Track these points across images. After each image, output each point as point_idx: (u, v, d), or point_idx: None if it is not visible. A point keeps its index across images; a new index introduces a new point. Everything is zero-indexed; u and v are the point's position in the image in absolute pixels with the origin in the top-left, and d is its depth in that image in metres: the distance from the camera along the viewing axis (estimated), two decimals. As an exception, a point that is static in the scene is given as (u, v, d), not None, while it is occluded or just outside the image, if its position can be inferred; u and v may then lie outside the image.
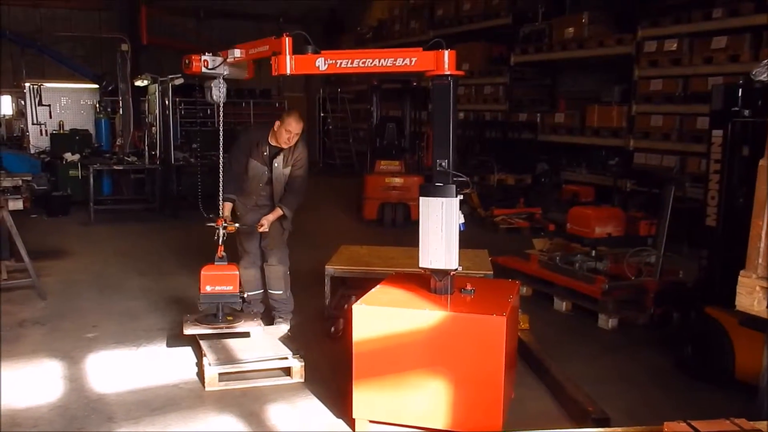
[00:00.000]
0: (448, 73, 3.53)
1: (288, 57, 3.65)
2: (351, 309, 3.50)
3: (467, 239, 6.21)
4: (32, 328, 5.20)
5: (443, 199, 3.51)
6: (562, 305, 5.66)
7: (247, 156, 4.80)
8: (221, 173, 4.66)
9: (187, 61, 4.29)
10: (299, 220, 5.25)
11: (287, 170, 4.86)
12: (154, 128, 10.45)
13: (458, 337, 3.34)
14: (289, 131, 4.67)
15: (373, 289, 3.77)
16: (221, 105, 4.49)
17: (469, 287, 3.67)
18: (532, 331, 4.88)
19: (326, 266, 5.14)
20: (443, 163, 3.57)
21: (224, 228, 4.53)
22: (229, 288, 4.41)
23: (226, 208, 4.72)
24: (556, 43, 10.85)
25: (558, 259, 5.73)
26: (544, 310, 5.68)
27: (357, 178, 10.94)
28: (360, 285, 4.72)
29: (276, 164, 4.82)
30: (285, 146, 4.76)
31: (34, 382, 4.18)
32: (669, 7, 8.94)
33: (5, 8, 15.32)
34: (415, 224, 3.66)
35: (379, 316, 3.46)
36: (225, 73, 4.32)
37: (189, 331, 4.38)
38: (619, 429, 2.61)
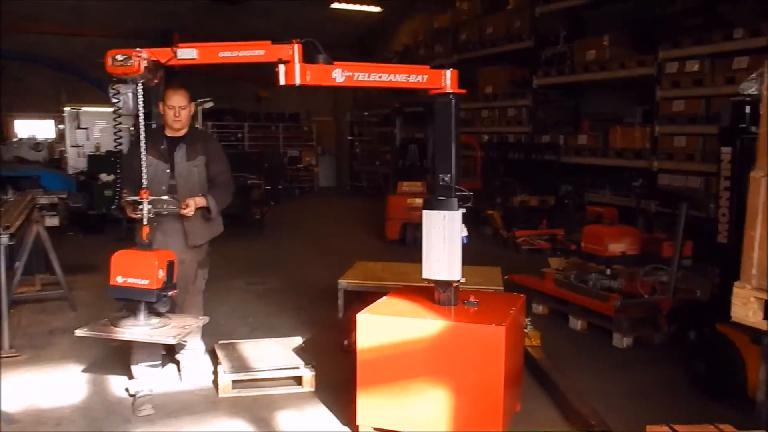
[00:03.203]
0: (450, 91, 3.68)
1: (298, 65, 3.23)
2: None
3: (488, 258, 6.33)
4: (62, 336, 5.44)
5: (446, 212, 3.64)
6: (577, 324, 5.69)
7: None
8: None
9: (119, 57, 3.17)
10: (321, 238, 5.34)
11: (195, 165, 4.17)
12: None
13: (459, 346, 3.44)
14: (171, 107, 4.04)
15: (379, 300, 3.90)
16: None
17: (472, 299, 3.77)
18: (544, 348, 4.93)
19: (339, 280, 5.28)
20: (446, 178, 3.70)
21: (150, 202, 3.44)
22: (144, 282, 3.22)
23: (128, 195, 3.76)
24: (578, 65, 10.94)
25: (572, 277, 5.77)
26: (559, 329, 5.72)
27: (382, 200, 11.12)
28: (374, 300, 4.83)
29: (178, 159, 4.12)
30: (177, 127, 4.10)
31: (59, 385, 4.39)
32: (689, 28, 8.96)
33: (50, 37, 16.02)
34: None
35: (383, 325, 3.59)
36: (149, 76, 3.30)
37: (79, 331, 3.33)
38: None
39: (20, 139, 13.78)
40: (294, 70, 3.24)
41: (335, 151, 20.65)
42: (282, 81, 3.28)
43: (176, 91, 4.08)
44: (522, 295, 4.11)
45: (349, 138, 19.05)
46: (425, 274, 3.71)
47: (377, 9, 17.14)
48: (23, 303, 6.22)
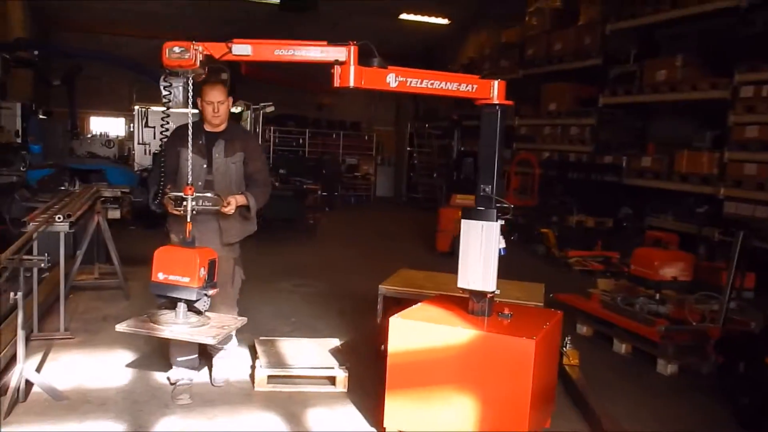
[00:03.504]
0: (497, 102, 3.70)
1: (353, 68, 3.17)
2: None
3: (536, 276, 6.27)
4: (113, 323, 5.61)
5: (483, 223, 3.66)
6: (621, 347, 5.57)
7: (178, 149, 3.98)
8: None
9: (177, 49, 3.05)
10: (371, 246, 5.37)
11: (233, 162, 4.15)
12: None
13: (488, 356, 3.45)
14: (210, 102, 4.03)
15: (413, 306, 3.94)
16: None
17: (506, 311, 3.77)
18: (584, 369, 4.87)
19: (380, 286, 5.34)
20: (487, 189, 3.73)
21: (194, 199, 3.41)
22: (185, 279, 3.17)
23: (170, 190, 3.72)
24: (647, 85, 10.69)
25: (619, 299, 5.67)
26: (602, 351, 5.62)
27: (437, 212, 11.15)
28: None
29: (216, 154, 4.10)
30: (216, 122, 4.10)
31: (107, 368, 4.59)
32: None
33: (124, 39, 16.73)
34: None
35: (414, 331, 3.63)
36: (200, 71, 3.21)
37: (119, 327, 3.33)
38: None
39: (93, 135, 14.39)
40: (349, 71, 3.18)
41: (394, 162, 20.78)
42: (336, 83, 3.23)
43: (213, 86, 4.02)
44: (559, 312, 4.08)
45: (408, 149, 19.15)
46: (460, 284, 3.74)
47: (445, 21, 17.22)
48: (82, 290, 6.52)
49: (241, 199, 4.00)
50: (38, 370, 4.38)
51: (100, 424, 3.73)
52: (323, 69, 3.22)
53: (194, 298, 3.20)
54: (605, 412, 4.04)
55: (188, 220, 3.36)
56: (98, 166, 9.71)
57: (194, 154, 3.75)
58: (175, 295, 3.22)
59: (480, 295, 3.72)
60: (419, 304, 4.03)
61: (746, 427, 4.17)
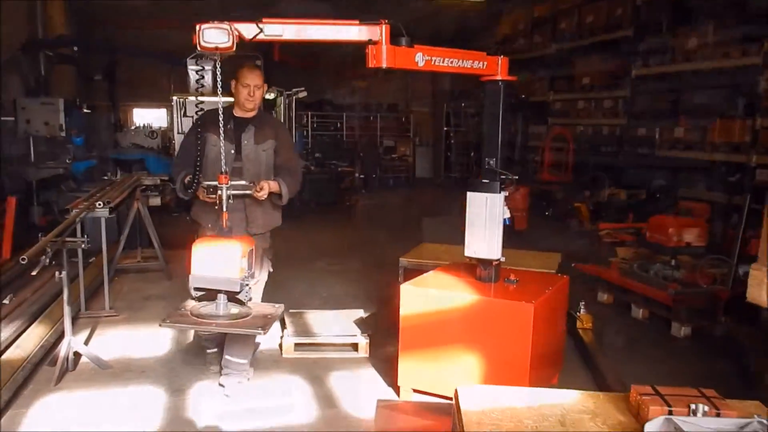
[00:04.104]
0: (500, 78, 3.88)
1: (385, 47, 3.11)
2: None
3: (567, 249, 6.44)
4: (155, 302, 6.08)
5: (488, 195, 3.87)
6: (638, 312, 5.72)
7: (204, 135, 3.74)
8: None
9: (213, 31, 2.94)
10: (405, 225, 5.45)
11: (264, 149, 4.00)
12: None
13: (491, 319, 3.68)
14: (247, 85, 3.87)
15: (425, 274, 4.19)
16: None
17: (512, 277, 3.98)
18: (600, 333, 5.05)
19: (400, 258, 5.59)
20: (491, 162, 3.93)
21: (229, 188, 3.27)
22: (226, 271, 3.07)
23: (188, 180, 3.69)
24: (678, 54, 10.57)
25: (636, 266, 5.80)
26: (621, 317, 5.78)
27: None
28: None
29: (245, 141, 3.94)
30: (250, 107, 3.94)
31: (148, 341, 4.97)
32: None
33: (165, 31, 17.17)
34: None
35: (423, 297, 3.88)
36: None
37: (167, 324, 3.20)
38: (594, 393, 2.81)
39: (137, 127, 14.90)
40: (381, 51, 3.12)
41: (432, 143, 20.89)
42: (371, 63, 3.16)
43: (252, 69, 3.90)
44: (565, 277, 4.27)
45: (445, 129, 19.23)
46: (467, 252, 3.96)
47: (480, -1, 17.15)
48: (126, 272, 6.95)
49: (274, 185, 3.86)
50: (86, 343, 4.79)
51: (141, 389, 4.11)
52: (356, 53, 3.20)
53: (238, 290, 3.10)
54: (611, 369, 4.22)
55: (224, 210, 3.24)
56: (138, 156, 10.13)
57: (219, 139, 3.54)
58: (217, 288, 3.11)
59: (486, 262, 3.94)
60: (432, 272, 4.27)
61: (751, 385, 4.29)
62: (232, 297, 3.18)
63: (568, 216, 10.79)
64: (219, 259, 3.09)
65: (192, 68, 3.01)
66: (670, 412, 2.32)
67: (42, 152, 8.68)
